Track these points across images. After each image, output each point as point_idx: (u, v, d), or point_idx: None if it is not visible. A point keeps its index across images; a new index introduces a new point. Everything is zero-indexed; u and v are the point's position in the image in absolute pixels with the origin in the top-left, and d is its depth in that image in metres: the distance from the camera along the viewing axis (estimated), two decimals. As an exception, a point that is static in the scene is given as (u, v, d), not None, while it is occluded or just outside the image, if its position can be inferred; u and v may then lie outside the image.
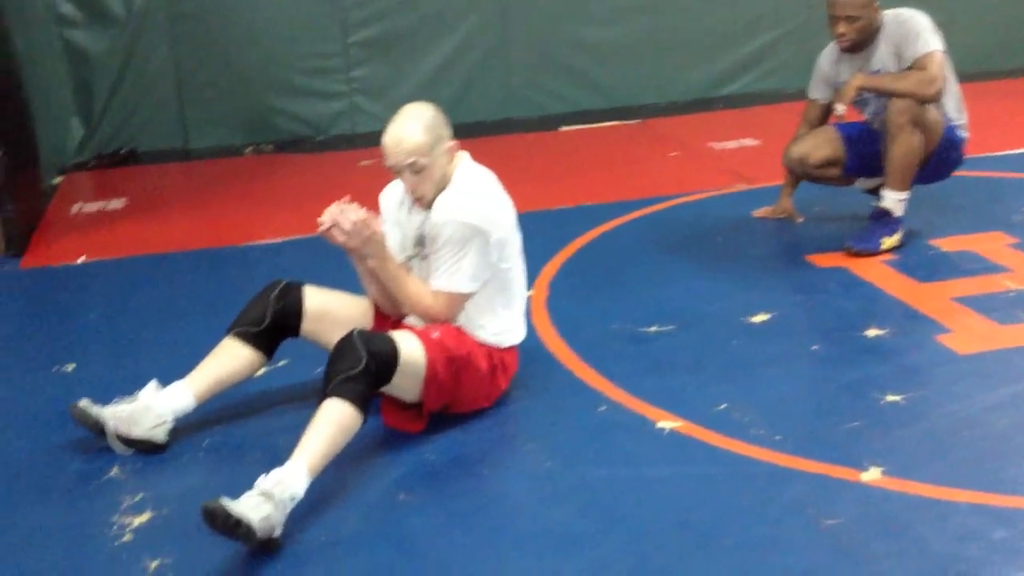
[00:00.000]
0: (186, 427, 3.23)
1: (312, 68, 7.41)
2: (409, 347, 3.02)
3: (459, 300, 3.18)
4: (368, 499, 2.87)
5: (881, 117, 4.51)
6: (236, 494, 2.61)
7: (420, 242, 3.23)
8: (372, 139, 7.03)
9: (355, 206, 3.04)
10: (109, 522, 2.81)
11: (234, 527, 2.51)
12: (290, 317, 3.28)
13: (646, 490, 2.84)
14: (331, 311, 3.31)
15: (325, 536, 2.70)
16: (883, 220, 4.52)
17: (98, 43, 7.07)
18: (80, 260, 5.06)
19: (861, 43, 4.47)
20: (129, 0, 7.01)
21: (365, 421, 2.89)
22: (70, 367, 3.81)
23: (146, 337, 4.07)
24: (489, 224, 3.13)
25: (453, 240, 3.10)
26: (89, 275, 4.88)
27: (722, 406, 3.27)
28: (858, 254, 4.47)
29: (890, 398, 3.28)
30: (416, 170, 3.06)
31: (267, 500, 2.60)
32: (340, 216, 3.02)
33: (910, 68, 4.34)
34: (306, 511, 2.77)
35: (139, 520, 2.81)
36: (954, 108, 4.52)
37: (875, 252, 4.48)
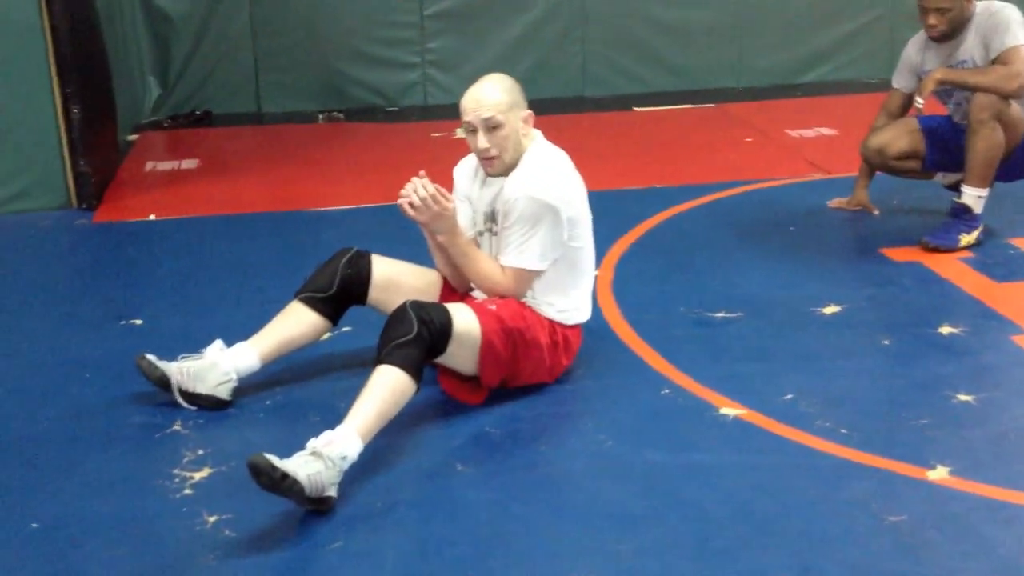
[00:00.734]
0: (249, 387, 3.25)
1: (387, 38, 7.43)
2: (463, 318, 3.02)
3: (527, 277, 3.16)
4: (425, 468, 2.87)
5: (963, 110, 4.42)
6: (293, 454, 2.63)
7: (491, 217, 3.22)
8: (443, 112, 7.18)
9: (426, 181, 3.03)
10: (170, 475, 2.84)
11: (280, 480, 2.52)
12: (357, 285, 3.29)
13: (708, 475, 2.81)
14: (398, 281, 3.31)
15: (381, 502, 2.70)
16: (962, 216, 4.42)
17: (179, 4, 7.16)
18: (151, 217, 5.12)
19: (951, 33, 4.37)
20: (211, -37, 7.09)
21: (418, 389, 2.88)
22: (138, 321, 3.86)
23: (214, 295, 4.11)
24: (561, 202, 3.10)
25: (524, 216, 3.08)
26: (160, 232, 4.94)
27: (788, 396, 3.21)
28: (935, 249, 4.38)
29: (961, 397, 3.20)
30: (492, 126, 3.04)
31: (317, 459, 2.60)
32: (413, 191, 3.03)
33: (994, 61, 4.24)
34: (363, 476, 2.78)
35: (199, 475, 2.84)
36: (1037, 104, 4.41)
37: (952, 248, 4.39)
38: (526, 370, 3.20)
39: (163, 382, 3.14)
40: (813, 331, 3.68)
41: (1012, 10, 4.30)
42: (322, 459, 2.61)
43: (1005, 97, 4.22)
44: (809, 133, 6.56)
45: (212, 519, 2.64)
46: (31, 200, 5.22)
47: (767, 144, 6.35)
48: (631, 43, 7.74)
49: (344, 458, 2.65)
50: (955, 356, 3.50)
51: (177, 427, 3.09)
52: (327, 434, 2.68)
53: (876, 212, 4.90)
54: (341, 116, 7.31)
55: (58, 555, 2.52)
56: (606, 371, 3.40)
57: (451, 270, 3.29)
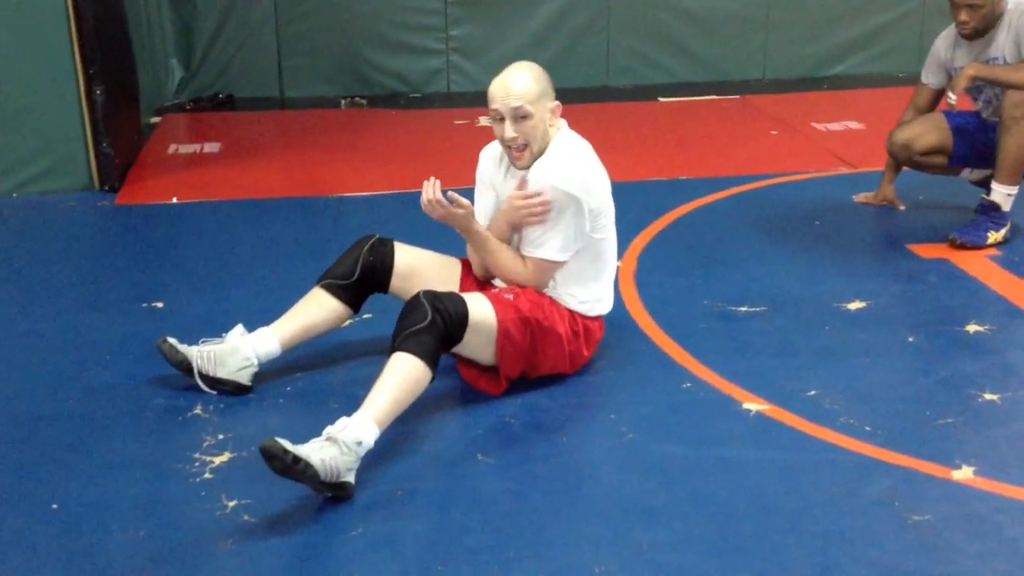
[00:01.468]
0: (270, 372, 3.25)
1: (411, 25, 7.41)
2: (479, 307, 3.01)
3: (549, 268, 3.14)
4: (445, 457, 2.86)
5: (993, 107, 4.40)
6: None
7: (515, 207, 3.19)
8: (467, 99, 7.17)
9: (437, 184, 3.00)
10: (191, 458, 2.84)
11: (292, 464, 2.52)
12: (379, 273, 3.27)
13: (729, 470, 2.78)
14: (420, 269, 3.30)
15: (401, 490, 2.69)
16: (990, 214, 4.38)
17: (202, -13, 7.15)
18: (173, 200, 5.12)
19: (982, 30, 4.32)
20: (236, -54, 7.08)
21: (434, 377, 2.88)
22: (159, 304, 3.86)
23: (235, 279, 4.11)
24: (584, 193, 3.08)
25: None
26: (182, 215, 4.94)
27: (811, 392, 3.19)
28: (962, 246, 4.34)
29: (987, 396, 3.17)
30: (520, 115, 3.02)
31: (331, 444, 2.60)
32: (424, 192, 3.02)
33: (1027, 59, 4.20)
34: (383, 464, 2.77)
35: (219, 459, 2.83)
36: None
37: (980, 246, 4.34)
38: (545, 360, 3.18)
39: (184, 366, 3.14)
40: (837, 327, 3.65)
41: (1045, 8, 4.25)
42: (336, 444, 2.60)
43: (1038, 95, 4.17)
44: (835, 126, 6.51)
45: (231, 504, 2.63)
46: (54, 181, 5.23)
47: (793, 137, 6.31)
48: (656, 32, 7.69)
49: (359, 443, 2.64)
50: (981, 354, 3.46)
51: (198, 411, 3.09)
52: (342, 420, 2.68)
53: (902, 207, 4.86)
54: (364, 102, 7.30)
55: (77, 536, 2.52)
56: (628, 363, 3.38)
57: (477, 258, 3.28)
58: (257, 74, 7.36)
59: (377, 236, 3.32)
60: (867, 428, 2.98)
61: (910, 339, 3.58)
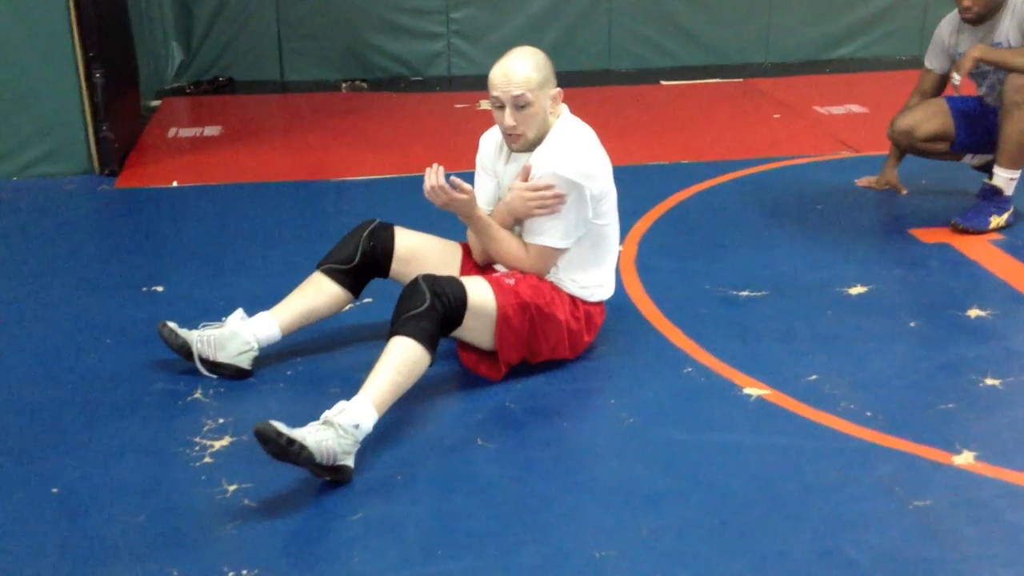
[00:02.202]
0: (270, 357, 3.25)
1: (411, 8, 7.38)
2: (479, 291, 3.00)
3: (551, 255, 3.13)
4: (446, 442, 2.86)
5: (996, 92, 4.37)
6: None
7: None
8: (467, 82, 7.15)
9: (440, 171, 2.99)
10: (191, 442, 2.84)
11: (287, 447, 2.52)
12: (380, 257, 3.27)
13: (730, 455, 2.78)
14: (420, 254, 3.29)
15: (401, 475, 2.69)
16: (993, 198, 4.36)
17: (202, -31, 7.12)
18: (174, 184, 5.11)
19: (985, 15, 4.30)
20: (235, -72, 7.05)
21: (433, 361, 2.87)
22: (159, 288, 3.86)
23: (235, 264, 4.10)
24: (586, 179, 3.06)
25: (549, 193, 3.05)
26: (182, 199, 4.93)
27: (812, 377, 3.18)
28: (964, 231, 4.33)
29: (988, 382, 3.16)
30: (520, 104, 3.00)
31: (327, 427, 2.61)
32: (427, 178, 3.01)
33: (1031, 43, 4.18)
34: (383, 449, 2.77)
35: (220, 443, 2.83)
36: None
37: (982, 230, 4.33)
38: (545, 346, 3.17)
39: (184, 350, 3.13)
40: (839, 311, 3.64)
41: (1049, -5, 4.23)
42: (333, 427, 2.60)
43: (1040, 79, 4.16)
44: (838, 110, 6.49)
45: (231, 488, 2.63)
46: (53, 164, 5.22)
47: (795, 121, 6.29)
48: (658, 16, 7.66)
49: (357, 427, 2.64)
50: (983, 340, 3.45)
51: (198, 395, 3.08)
52: (340, 404, 2.69)
53: (905, 192, 4.84)
54: (365, 85, 7.27)
55: (77, 520, 2.53)
56: (629, 348, 3.38)
57: (478, 244, 3.27)
58: (257, 57, 7.33)
59: (378, 220, 3.31)
60: (868, 413, 2.98)
61: (911, 324, 3.58)
